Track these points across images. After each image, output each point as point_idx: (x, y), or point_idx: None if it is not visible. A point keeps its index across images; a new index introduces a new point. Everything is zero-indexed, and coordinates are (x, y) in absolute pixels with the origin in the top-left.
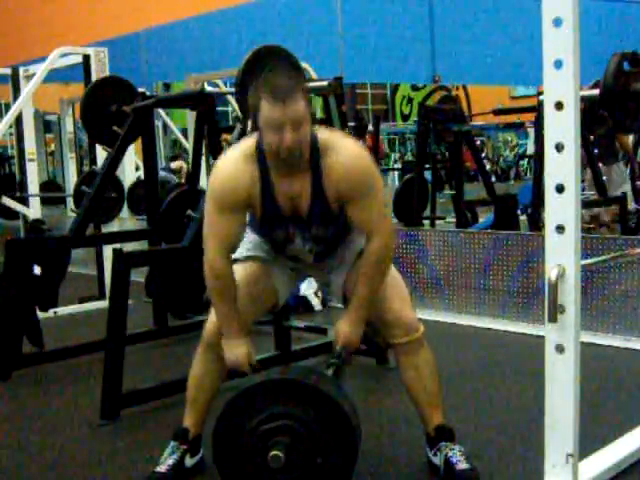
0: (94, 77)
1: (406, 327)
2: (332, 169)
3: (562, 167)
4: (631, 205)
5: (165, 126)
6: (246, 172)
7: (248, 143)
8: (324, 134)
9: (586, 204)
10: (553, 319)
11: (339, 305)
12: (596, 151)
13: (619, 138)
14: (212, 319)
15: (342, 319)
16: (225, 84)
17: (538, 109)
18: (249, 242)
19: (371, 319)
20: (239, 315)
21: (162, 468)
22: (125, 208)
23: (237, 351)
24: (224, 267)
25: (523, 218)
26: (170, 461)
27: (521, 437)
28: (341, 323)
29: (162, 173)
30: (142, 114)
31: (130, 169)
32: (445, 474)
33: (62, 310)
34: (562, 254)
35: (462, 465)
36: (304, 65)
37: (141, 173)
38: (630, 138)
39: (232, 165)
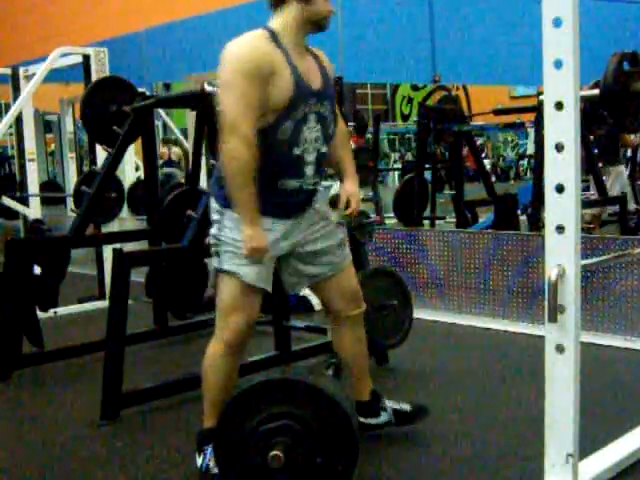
0: (94, 77)
1: (360, 300)
2: (320, 55)
3: (562, 167)
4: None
5: (165, 126)
6: (269, 47)
7: (257, 32)
8: None
9: (586, 204)
10: (553, 319)
11: None
12: (596, 151)
13: (622, 137)
14: (237, 320)
15: (345, 182)
16: None
17: (538, 109)
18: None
19: (326, 294)
20: None
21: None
22: (125, 208)
23: (259, 238)
24: (254, 139)
25: (523, 218)
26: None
27: (521, 437)
28: (346, 184)
29: (166, 169)
30: (142, 114)
31: (130, 169)
32: (400, 419)
33: (62, 310)
34: (562, 254)
35: (407, 405)
36: None
37: (141, 173)
38: (632, 137)
39: (254, 41)
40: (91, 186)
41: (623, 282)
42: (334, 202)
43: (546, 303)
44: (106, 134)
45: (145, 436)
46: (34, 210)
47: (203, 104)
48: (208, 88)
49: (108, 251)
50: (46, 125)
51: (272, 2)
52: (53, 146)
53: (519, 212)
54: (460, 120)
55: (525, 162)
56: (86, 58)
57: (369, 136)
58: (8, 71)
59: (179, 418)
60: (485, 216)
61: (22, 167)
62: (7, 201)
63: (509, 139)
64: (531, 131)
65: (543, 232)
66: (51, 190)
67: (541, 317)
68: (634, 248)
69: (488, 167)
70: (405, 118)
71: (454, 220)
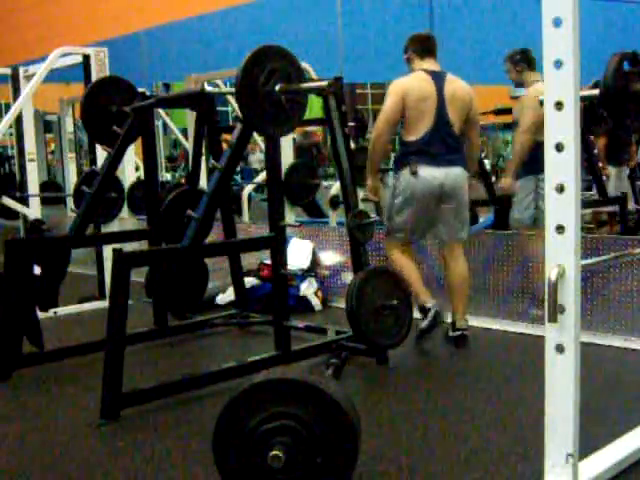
0: (94, 77)
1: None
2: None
3: (562, 167)
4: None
5: (165, 126)
6: None
7: None
8: None
9: (586, 204)
10: (553, 319)
11: (339, 305)
12: (595, 151)
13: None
14: (396, 244)
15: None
16: (225, 84)
17: None
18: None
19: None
20: None
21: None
22: (125, 208)
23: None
24: None
25: None
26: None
27: (521, 437)
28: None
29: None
30: (142, 114)
31: (130, 169)
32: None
33: (62, 310)
34: (562, 254)
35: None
36: (304, 65)
37: (141, 173)
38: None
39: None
40: (91, 186)
41: (623, 282)
42: (334, 202)
43: (546, 303)
44: (106, 134)
45: (145, 436)
46: (34, 210)
47: (203, 104)
48: (208, 88)
49: (108, 251)
50: (46, 125)
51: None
52: (53, 146)
53: None
54: None
55: None
56: (86, 58)
57: (369, 136)
58: (8, 71)
59: (179, 418)
60: (485, 216)
61: (22, 167)
62: (7, 201)
63: (509, 139)
64: None
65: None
66: (51, 190)
67: (541, 317)
68: (634, 248)
69: (488, 167)
70: None
71: None
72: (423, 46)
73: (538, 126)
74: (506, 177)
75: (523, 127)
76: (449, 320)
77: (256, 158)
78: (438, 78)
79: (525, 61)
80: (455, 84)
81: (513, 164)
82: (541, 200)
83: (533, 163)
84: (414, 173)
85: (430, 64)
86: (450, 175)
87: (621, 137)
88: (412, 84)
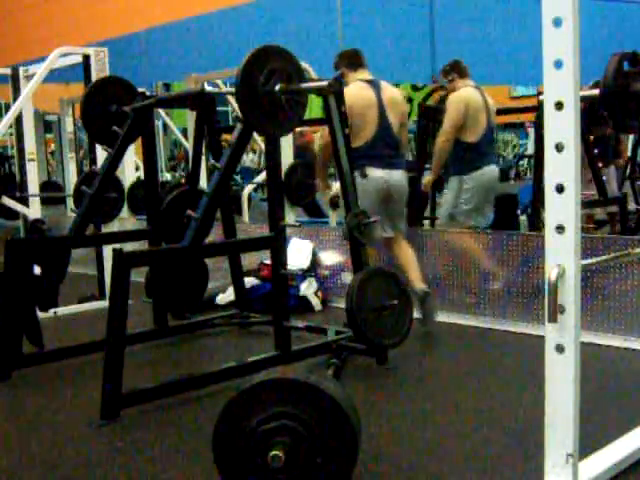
0: (94, 77)
1: None
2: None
3: (562, 167)
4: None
5: (165, 126)
6: None
7: None
8: None
9: (586, 204)
10: (553, 319)
11: (339, 305)
12: (596, 151)
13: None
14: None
15: None
16: (225, 84)
17: (538, 109)
18: None
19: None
20: None
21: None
22: (125, 208)
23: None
24: None
25: (523, 218)
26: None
27: (521, 437)
28: None
29: None
30: (142, 114)
31: (130, 169)
32: None
33: (62, 310)
34: (562, 254)
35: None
36: (304, 65)
37: (141, 173)
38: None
39: None
40: (91, 186)
41: (623, 282)
42: (334, 202)
43: (546, 303)
44: (106, 134)
45: (145, 436)
46: (34, 210)
47: (203, 104)
48: (208, 88)
49: (108, 251)
50: (46, 125)
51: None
52: (53, 146)
53: (519, 212)
54: None
55: (525, 162)
56: (86, 58)
57: None
58: (8, 71)
59: (179, 418)
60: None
61: (22, 167)
62: (7, 201)
63: (509, 139)
64: (531, 131)
65: (543, 232)
66: (51, 190)
67: (541, 317)
68: (634, 248)
69: None
70: None
71: None
72: (352, 60)
73: (459, 128)
74: (428, 176)
75: (442, 130)
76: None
77: (249, 158)
78: (375, 86)
79: (456, 71)
80: (391, 90)
81: (434, 165)
82: (462, 199)
83: (458, 164)
84: (364, 176)
85: (364, 74)
86: (393, 176)
87: (607, 137)
88: (357, 93)
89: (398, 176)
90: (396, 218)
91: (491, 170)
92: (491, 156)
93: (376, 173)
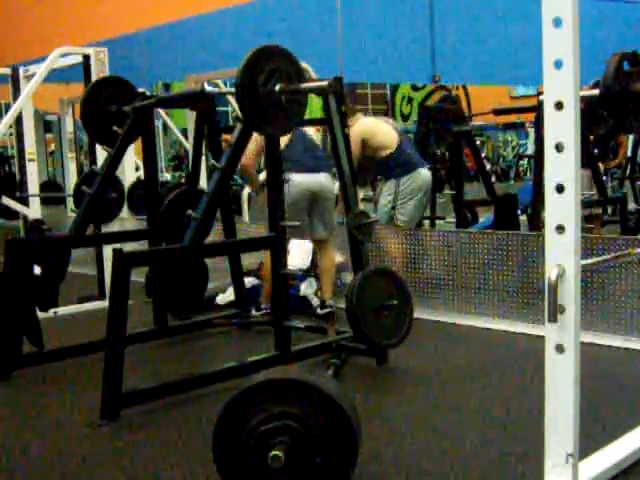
0: (94, 77)
1: None
2: None
3: (562, 167)
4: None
5: (165, 126)
6: None
7: None
8: None
9: (586, 204)
10: (553, 319)
11: (339, 305)
12: (596, 151)
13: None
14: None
15: None
16: (225, 84)
17: (538, 109)
18: None
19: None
20: None
21: None
22: (125, 208)
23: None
24: None
25: (523, 218)
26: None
27: (521, 437)
28: None
29: None
30: (142, 114)
31: (130, 169)
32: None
33: (62, 310)
34: (562, 254)
35: None
36: (304, 65)
37: (141, 173)
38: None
39: None
40: (91, 186)
41: (623, 282)
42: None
43: (546, 303)
44: (106, 134)
45: (145, 436)
46: (34, 210)
47: (203, 104)
48: (208, 88)
49: (108, 251)
50: (46, 125)
51: None
52: (53, 146)
53: (519, 212)
54: (460, 120)
55: (525, 162)
56: (86, 58)
57: None
58: (8, 71)
59: (179, 418)
60: (485, 216)
61: (22, 167)
62: (7, 201)
63: (509, 139)
64: (531, 131)
65: (543, 232)
66: (51, 190)
67: (541, 317)
68: (634, 248)
69: (488, 167)
70: (405, 118)
71: (454, 220)
72: None
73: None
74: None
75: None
76: None
77: None
78: None
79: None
80: None
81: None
82: (398, 200)
83: (391, 171)
84: (286, 180)
85: None
86: (316, 180)
87: (602, 137)
88: None
89: (319, 179)
90: (322, 221)
91: (418, 172)
92: (415, 162)
93: (298, 178)
